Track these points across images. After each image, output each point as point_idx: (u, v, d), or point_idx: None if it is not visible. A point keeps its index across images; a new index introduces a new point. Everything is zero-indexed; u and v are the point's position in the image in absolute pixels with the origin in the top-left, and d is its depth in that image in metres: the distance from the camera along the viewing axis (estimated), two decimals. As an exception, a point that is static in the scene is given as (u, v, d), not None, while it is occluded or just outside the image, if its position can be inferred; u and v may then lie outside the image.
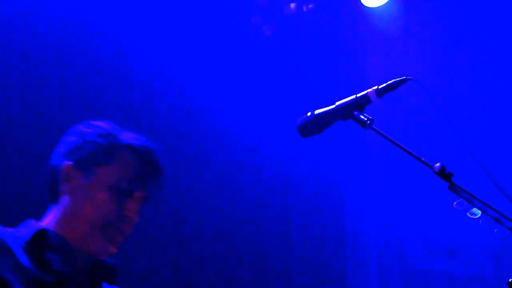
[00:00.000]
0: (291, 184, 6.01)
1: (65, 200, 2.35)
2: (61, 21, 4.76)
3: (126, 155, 2.38)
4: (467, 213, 2.14)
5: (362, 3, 5.51)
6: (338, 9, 5.87)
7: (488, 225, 2.12)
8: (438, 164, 2.15)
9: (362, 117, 2.36)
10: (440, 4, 5.77)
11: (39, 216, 2.41)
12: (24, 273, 2.16)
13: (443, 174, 2.13)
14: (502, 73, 5.65)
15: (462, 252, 5.77)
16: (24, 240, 2.25)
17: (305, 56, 5.91)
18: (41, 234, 2.27)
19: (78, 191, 2.34)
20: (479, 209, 2.12)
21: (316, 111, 2.47)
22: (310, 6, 5.80)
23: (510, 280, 2.04)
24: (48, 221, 2.36)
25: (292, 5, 5.79)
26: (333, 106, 2.44)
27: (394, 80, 2.39)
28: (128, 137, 2.43)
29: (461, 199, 2.12)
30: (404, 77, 2.38)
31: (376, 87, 2.40)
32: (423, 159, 2.18)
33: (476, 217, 2.13)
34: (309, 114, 2.47)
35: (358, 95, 2.41)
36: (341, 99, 2.43)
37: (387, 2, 5.48)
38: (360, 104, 2.39)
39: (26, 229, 2.30)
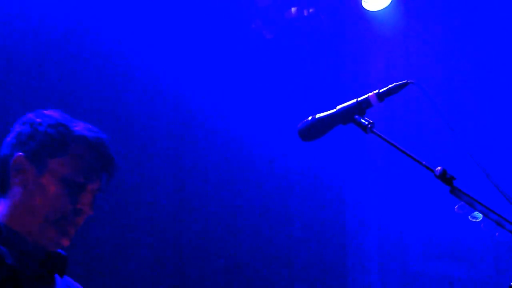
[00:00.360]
0: (292, 188, 6.00)
1: (16, 192, 2.29)
2: (61, 21, 4.77)
3: (79, 147, 2.32)
4: (469, 217, 2.14)
5: (363, 7, 5.51)
6: (339, 13, 5.87)
7: (489, 228, 2.12)
8: (439, 168, 2.15)
9: (363, 121, 2.36)
10: (442, 7, 5.77)
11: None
12: None
13: (444, 177, 2.13)
14: (504, 77, 5.65)
15: (464, 256, 5.76)
16: None
17: (305, 60, 5.91)
18: None
19: (30, 184, 2.28)
20: (481, 212, 2.12)
21: (317, 115, 2.47)
22: (311, 10, 5.80)
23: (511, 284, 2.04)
24: None
25: (293, 9, 5.79)
26: (334, 110, 2.44)
27: (395, 84, 2.40)
28: (80, 128, 2.36)
29: (463, 202, 2.12)
30: (405, 81, 2.39)
31: (377, 91, 2.40)
32: (424, 162, 2.18)
33: (477, 220, 2.13)
34: (310, 118, 2.48)
35: (359, 99, 2.41)
36: (342, 103, 2.44)
37: (388, 6, 5.48)
38: (361, 108, 2.40)
39: None
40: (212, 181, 5.58)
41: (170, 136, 5.35)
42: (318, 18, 5.84)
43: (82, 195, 2.30)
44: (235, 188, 5.68)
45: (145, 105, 5.25)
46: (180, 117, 5.44)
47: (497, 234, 2.12)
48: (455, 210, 2.15)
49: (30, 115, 2.37)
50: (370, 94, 2.40)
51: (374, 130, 2.32)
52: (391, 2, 5.46)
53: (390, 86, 2.40)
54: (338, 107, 2.44)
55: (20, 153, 2.30)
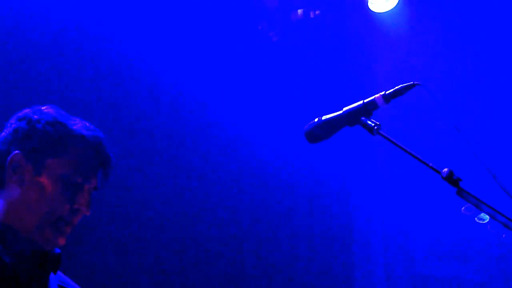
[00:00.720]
0: (299, 188, 6.00)
1: (12, 190, 2.27)
2: (61, 21, 4.77)
3: (77, 147, 2.29)
4: (475, 218, 2.14)
5: (369, 9, 5.51)
6: (345, 15, 5.87)
7: (496, 230, 2.12)
8: (446, 170, 2.15)
9: (369, 122, 2.36)
10: (448, 9, 5.76)
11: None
12: None
13: (451, 179, 2.13)
14: (510, 79, 5.64)
15: (470, 257, 5.75)
16: None
17: (312, 62, 5.92)
18: None
19: (27, 183, 2.25)
20: (487, 214, 2.12)
21: (324, 117, 2.47)
22: (317, 12, 5.80)
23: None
24: None
25: (299, 11, 5.80)
26: (341, 111, 2.44)
27: (401, 85, 2.39)
28: (78, 126, 2.33)
29: (469, 204, 2.12)
30: (411, 83, 2.39)
31: (383, 92, 2.40)
32: (430, 164, 2.17)
33: (484, 222, 2.13)
34: (316, 120, 2.48)
35: (365, 100, 2.41)
36: (348, 105, 2.44)
37: (394, 7, 5.48)
38: (367, 109, 2.40)
39: None
40: (215, 182, 5.58)
41: (173, 137, 5.35)
42: (324, 20, 5.84)
43: (79, 195, 2.28)
44: (238, 190, 5.68)
45: (149, 106, 5.26)
46: (184, 118, 5.45)
47: (504, 235, 2.12)
48: (462, 211, 2.15)
49: (27, 111, 2.34)
50: (376, 95, 2.40)
51: (381, 132, 2.32)
52: (397, 4, 5.47)
53: (396, 87, 2.39)
54: (345, 108, 2.44)
55: (17, 151, 2.27)
